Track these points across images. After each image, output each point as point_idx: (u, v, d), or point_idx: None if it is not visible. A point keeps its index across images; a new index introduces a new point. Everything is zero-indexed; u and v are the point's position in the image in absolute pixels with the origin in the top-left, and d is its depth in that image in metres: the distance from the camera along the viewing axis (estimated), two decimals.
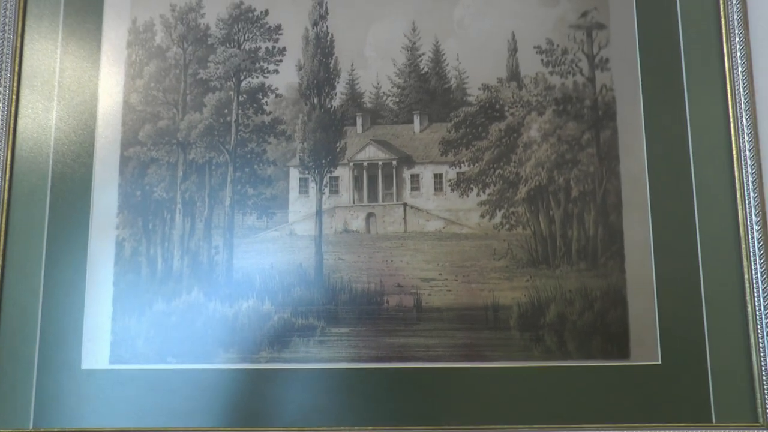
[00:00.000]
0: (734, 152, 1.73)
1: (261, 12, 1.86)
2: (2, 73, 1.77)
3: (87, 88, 1.82)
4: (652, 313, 1.69)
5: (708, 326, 1.68)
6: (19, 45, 1.80)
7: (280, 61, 1.84)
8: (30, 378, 1.67)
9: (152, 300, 1.72)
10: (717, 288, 1.69)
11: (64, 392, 1.67)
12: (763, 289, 1.67)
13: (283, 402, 1.66)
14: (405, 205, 1.83)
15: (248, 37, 1.85)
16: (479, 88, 1.83)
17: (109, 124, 1.81)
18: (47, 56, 1.82)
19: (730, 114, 1.75)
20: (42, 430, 1.65)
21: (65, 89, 1.81)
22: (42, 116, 1.79)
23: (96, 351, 1.69)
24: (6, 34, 1.78)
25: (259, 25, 1.85)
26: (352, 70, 1.83)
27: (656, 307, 1.69)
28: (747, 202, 1.71)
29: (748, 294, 1.68)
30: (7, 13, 1.79)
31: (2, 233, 1.72)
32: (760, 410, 1.63)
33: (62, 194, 1.76)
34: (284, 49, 1.85)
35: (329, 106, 1.83)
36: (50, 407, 1.66)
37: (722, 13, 1.79)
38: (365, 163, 1.86)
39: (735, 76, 1.76)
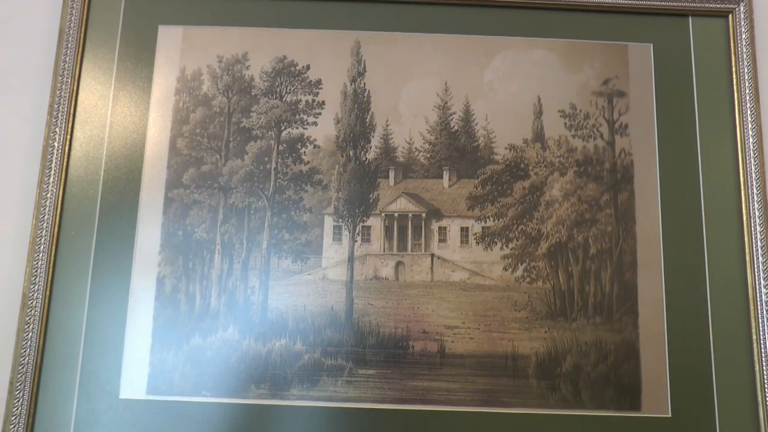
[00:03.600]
0: (744, 217, 1.89)
1: (303, 67, 1.99)
2: (59, 114, 1.91)
3: (136, 131, 1.94)
4: (663, 367, 1.81)
5: (717, 381, 1.80)
6: (75, 88, 1.94)
7: (319, 114, 1.97)
8: (70, 405, 1.77)
9: (189, 335, 1.82)
10: (726, 345, 1.82)
11: (102, 420, 1.76)
12: None
13: None
14: (432, 255, 1.93)
15: (290, 89, 1.98)
16: (506, 148, 1.96)
17: (155, 166, 1.92)
18: (100, 99, 1.96)
19: (741, 181, 1.91)
20: None
21: (116, 131, 1.94)
22: (93, 156, 1.92)
23: (134, 381, 1.79)
24: (65, 78, 1.94)
25: (300, 79, 1.99)
26: (387, 126, 1.96)
27: (667, 362, 1.81)
28: (755, 264, 1.85)
29: (755, 352, 1.81)
30: (67, 59, 1.95)
31: (51, 265, 1.83)
32: None
33: (108, 231, 1.87)
34: (323, 102, 1.98)
35: (364, 158, 1.95)
36: None
37: (735, 86, 1.96)
38: (396, 214, 1.97)
39: (746, 145, 1.92)
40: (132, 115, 1.97)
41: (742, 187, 1.91)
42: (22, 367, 1.78)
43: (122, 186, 1.92)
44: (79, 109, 1.96)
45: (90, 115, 1.96)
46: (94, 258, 1.87)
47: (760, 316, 1.83)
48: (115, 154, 1.94)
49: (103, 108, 1.97)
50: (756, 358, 1.81)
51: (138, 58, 2.00)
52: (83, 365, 1.80)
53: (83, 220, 1.89)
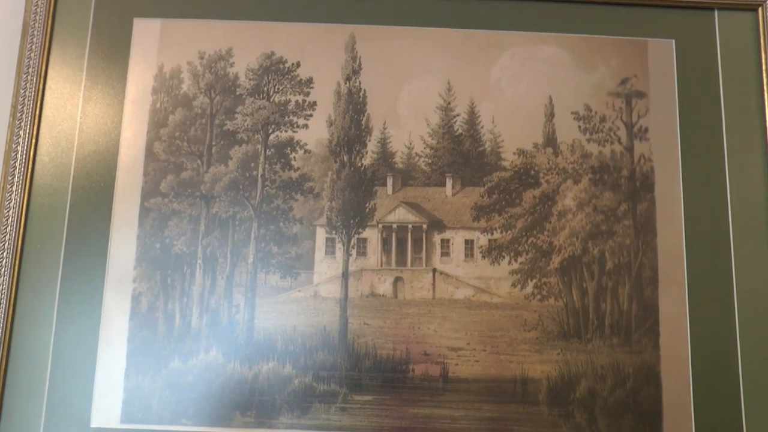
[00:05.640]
0: None
1: (292, 64, 1.94)
2: (23, 116, 1.86)
3: (109, 134, 1.89)
4: (687, 392, 1.77)
5: (746, 408, 1.76)
6: (41, 88, 1.89)
7: (311, 115, 1.92)
8: None
9: (168, 358, 1.78)
10: (755, 369, 1.78)
11: None
12: None
13: None
14: (434, 270, 1.89)
15: (278, 89, 1.93)
16: (514, 153, 1.92)
17: (130, 172, 1.88)
18: (69, 100, 1.91)
19: None
20: None
21: (86, 135, 1.89)
22: (61, 161, 1.87)
23: (107, 409, 1.75)
24: (29, 76, 1.88)
25: (290, 77, 1.94)
26: (384, 128, 1.92)
27: (691, 387, 1.77)
28: None
29: None
30: (32, 55, 1.89)
31: (14, 282, 1.78)
32: None
33: (78, 243, 1.82)
34: (315, 103, 1.93)
35: (359, 164, 1.91)
36: None
37: (765, 86, 1.91)
38: (395, 226, 1.93)
39: None
40: (104, 116, 1.92)
41: None
42: None
43: (93, 194, 1.87)
44: (45, 110, 1.92)
45: (58, 116, 1.91)
46: (63, 273, 1.82)
47: None
48: (86, 160, 1.89)
49: (72, 109, 1.92)
50: None
51: (111, 54, 1.96)
52: (50, 391, 1.76)
53: (50, 232, 1.84)
